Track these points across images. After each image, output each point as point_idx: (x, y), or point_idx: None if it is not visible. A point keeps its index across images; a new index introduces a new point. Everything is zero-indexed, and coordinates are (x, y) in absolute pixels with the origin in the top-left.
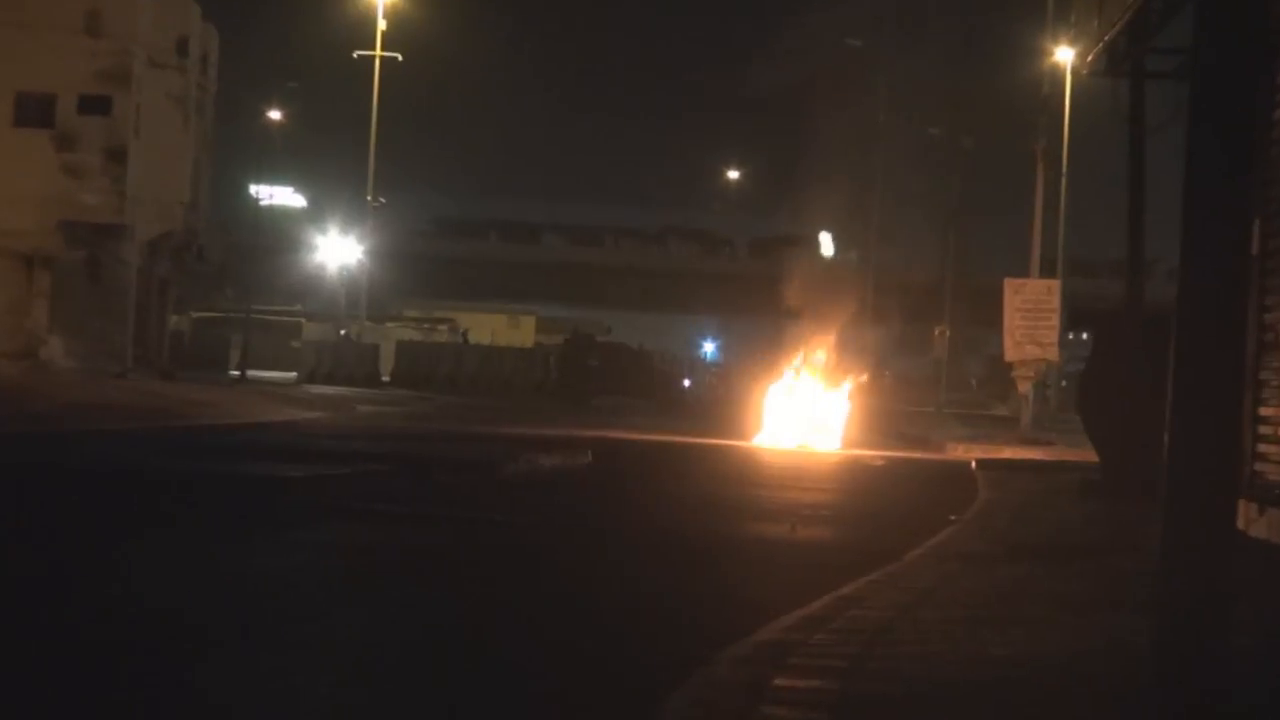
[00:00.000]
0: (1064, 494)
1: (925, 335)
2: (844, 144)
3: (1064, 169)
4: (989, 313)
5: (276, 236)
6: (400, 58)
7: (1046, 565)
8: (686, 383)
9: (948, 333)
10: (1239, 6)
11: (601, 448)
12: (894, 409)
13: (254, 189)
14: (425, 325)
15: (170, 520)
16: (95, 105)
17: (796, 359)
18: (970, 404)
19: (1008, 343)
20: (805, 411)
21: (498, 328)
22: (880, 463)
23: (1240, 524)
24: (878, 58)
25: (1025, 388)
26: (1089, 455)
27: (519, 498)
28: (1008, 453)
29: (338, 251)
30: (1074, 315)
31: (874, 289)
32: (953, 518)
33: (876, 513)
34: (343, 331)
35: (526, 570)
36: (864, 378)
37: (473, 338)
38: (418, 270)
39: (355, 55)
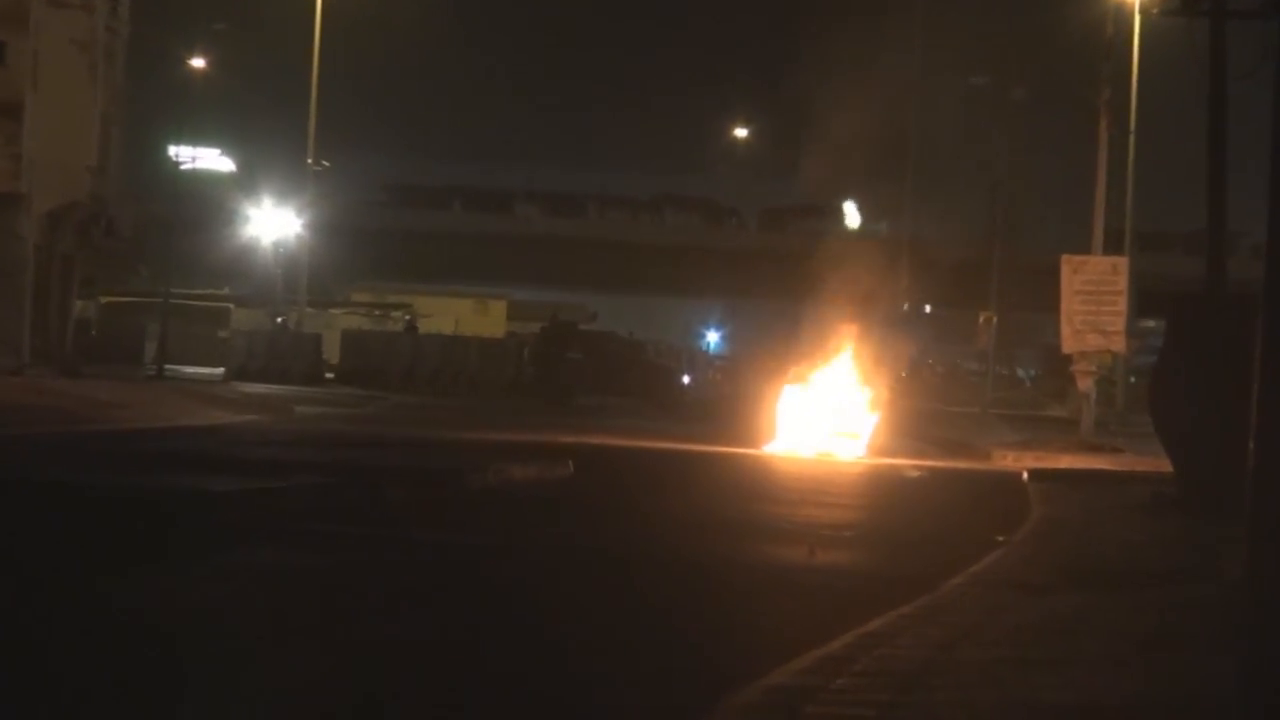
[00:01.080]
0: (1132, 510)
1: (968, 323)
2: (872, 96)
3: (1131, 126)
4: (1044, 296)
5: (201, 207)
6: None
7: (1111, 595)
8: (686, 379)
9: (995, 319)
10: None
11: (585, 456)
12: (931, 410)
13: (174, 151)
14: (377, 312)
15: (61, 546)
16: None
17: (816, 351)
18: (1021, 403)
19: (1065, 331)
20: (827, 413)
21: (463, 314)
22: (915, 473)
23: None
24: None
25: (1086, 384)
26: (1162, 464)
27: (487, 516)
28: (1065, 461)
29: (273, 225)
30: (1144, 298)
31: (908, 267)
32: (1000, 539)
33: (910, 533)
34: (279, 319)
35: (494, 604)
36: (897, 373)
37: (433, 327)
38: (368, 247)
39: None
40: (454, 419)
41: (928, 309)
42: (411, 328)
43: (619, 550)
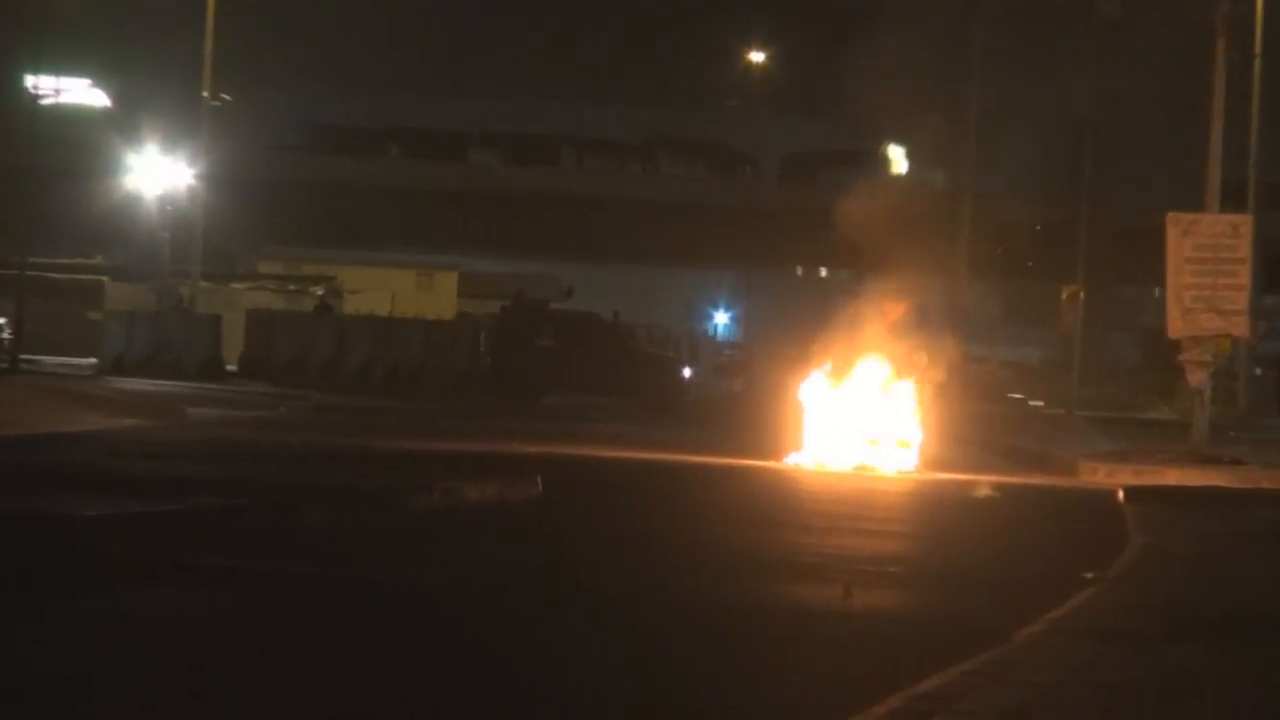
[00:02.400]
0: (1258, 539)
1: (1048, 300)
2: (926, 13)
3: (1256, 49)
4: (1144, 266)
5: (65, 153)
6: None
7: (1229, 648)
8: (687, 372)
9: (1082, 295)
10: None
11: (558, 472)
12: (1001, 412)
13: (31, 82)
14: (291, 287)
15: None
16: None
17: (852, 336)
18: (1116, 402)
19: (1173, 310)
20: (866, 416)
21: (402, 290)
22: (981, 492)
23: None
24: None
25: (1200, 378)
26: None
27: (432, 547)
28: (1172, 477)
29: (159, 175)
30: (1272, 268)
31: (971, 230)
32: (1089, 575)
33: (972, 568)
34: (172, 297)
35: (433, 666)
36: (955, 365)
37: (364, 306)
38: (280, 204)
39: None
40: (391, 424)
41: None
42: (325, 307)
43: (599, 592)
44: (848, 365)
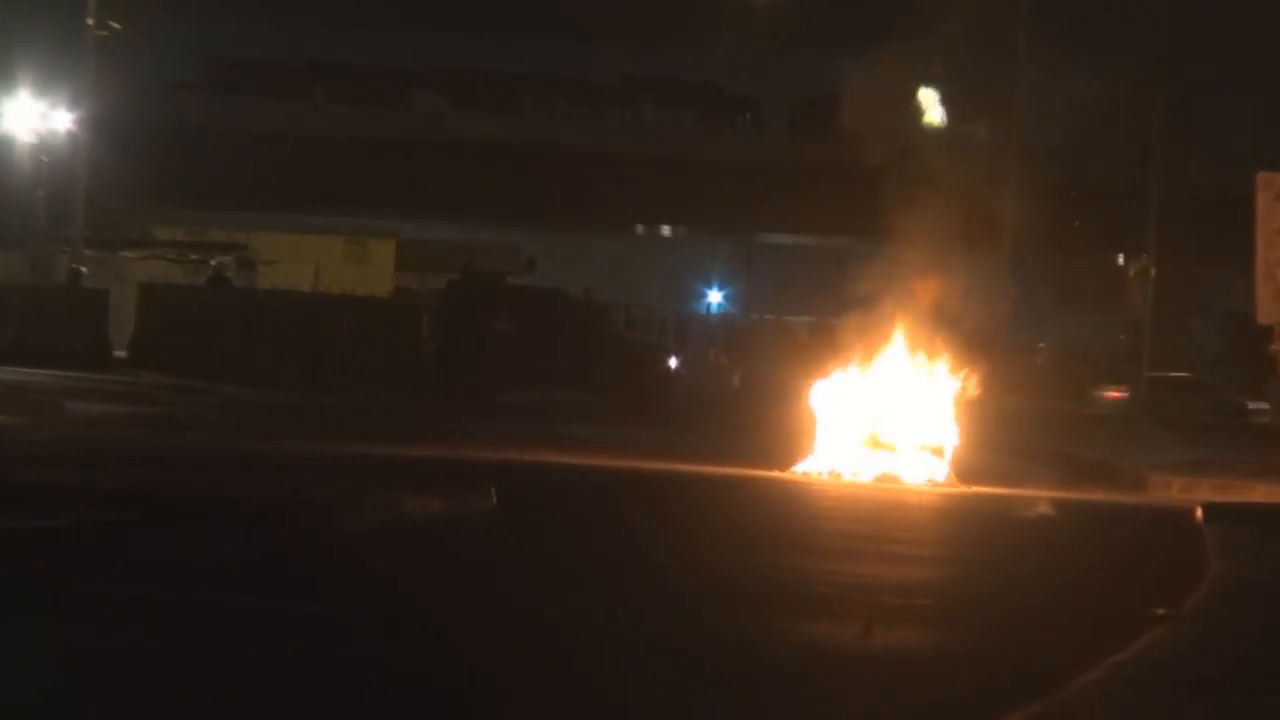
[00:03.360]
0: None
1: (1112, 277)
2: None
3: None
4: (1227, 238)
5: None
6: None
7: None
8: (674, 362)
9: (1153, 271)
10: None
11: (517, 482)
12: (1053, 410)
13: None
14: (194, 257)
15: None
16: None
17: (875, 321)
18: (1194, 403)
19: (1263, 290)
20: (892, 416)
21: (328, 260)
22: (1029, 510)
23: None
24: None
25: None
26: None
27: (361, 573)
28: (1260, 492)
29: (31, 121)
30: None
31: (1020, 192)
32: (1160, 611)
33: (1019, 602)
34: (48, 268)
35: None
36: (988, 353)
37: (282, 279)
38: (181, 156)
39: None
40: (314, 424)
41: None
42: (221, 280)
43: (547, 626)
44: (870, 355)
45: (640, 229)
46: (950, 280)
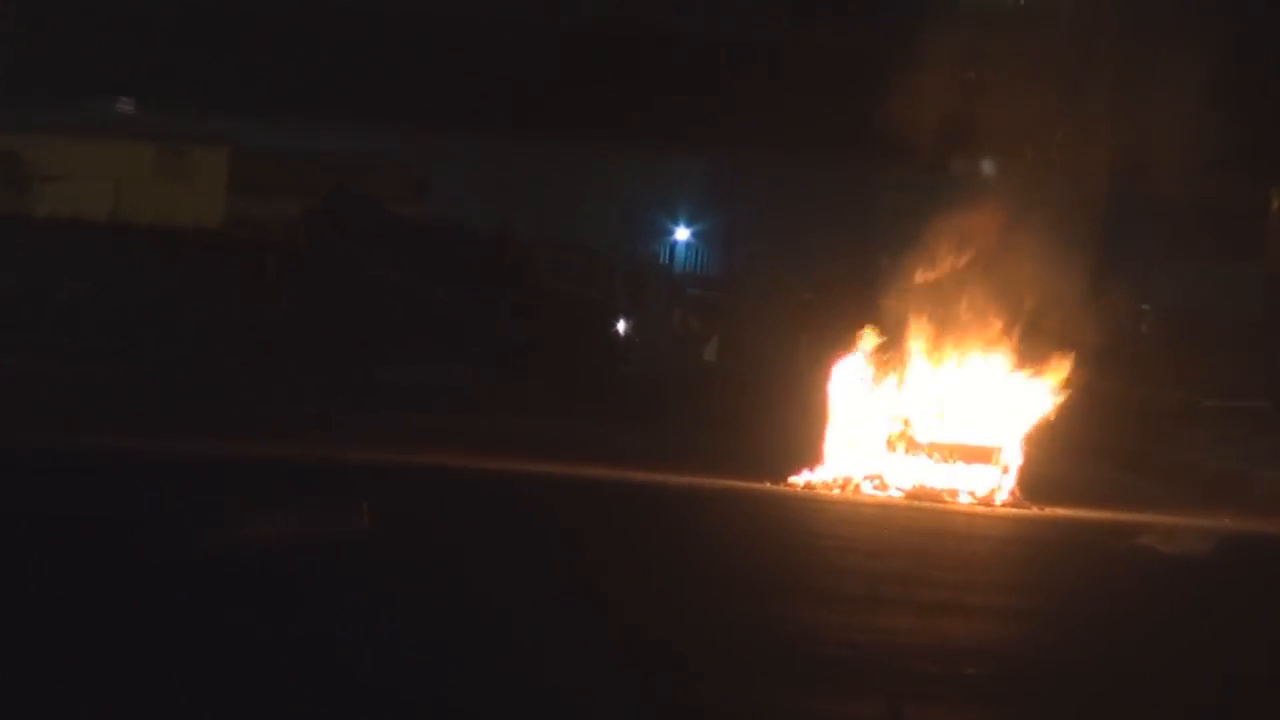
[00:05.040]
0: None
1: (1247, 214)
2: None
3: None
4: None
5: None
6: None
7: None
8: (623, 326)
9: None
10: None
11: (397, 493)
12: (1163, 404)
13: None
14: None
15: None
16: None
17: (907, 280)
18: None
19: None
20: (931, 409)
21: (135, 176)
22: (1127, 541)
23: None
24: None
25: None
26: None
27: (185, 620)
28: None
29: None
30: None
31: (1118, 81)
32: None
33: (1111, 673)
34: None
35: None
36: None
37: (71, 203)
38: None
39: None
40: (121, 405)
41: None
42: None
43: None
44: (902, 322)
45: (577, 137)
46: (1024, 213)
